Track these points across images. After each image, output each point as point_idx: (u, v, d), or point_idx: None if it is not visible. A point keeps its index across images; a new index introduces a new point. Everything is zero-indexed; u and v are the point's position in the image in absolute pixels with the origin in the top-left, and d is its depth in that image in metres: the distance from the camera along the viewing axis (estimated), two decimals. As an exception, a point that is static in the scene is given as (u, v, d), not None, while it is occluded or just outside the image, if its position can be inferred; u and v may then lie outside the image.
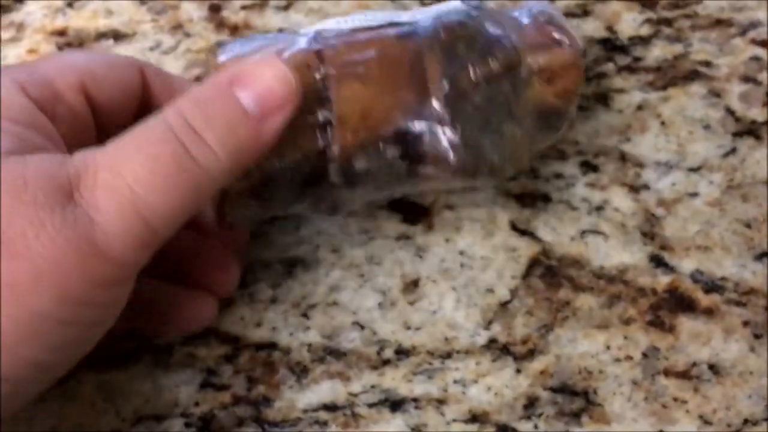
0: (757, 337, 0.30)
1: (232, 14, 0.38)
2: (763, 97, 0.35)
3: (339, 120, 0.26)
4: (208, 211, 0.29)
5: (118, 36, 0.38)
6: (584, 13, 0.37)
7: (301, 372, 0.30)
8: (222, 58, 0.28)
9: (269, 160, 0.26)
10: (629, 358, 0.30)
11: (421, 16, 0.28)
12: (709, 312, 0.30)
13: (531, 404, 0.29)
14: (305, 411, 0.29)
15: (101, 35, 0.38)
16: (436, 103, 0.27)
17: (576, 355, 0.30)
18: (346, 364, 0.30)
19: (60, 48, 0.37)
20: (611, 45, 0.36)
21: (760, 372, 0.29)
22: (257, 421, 0.29)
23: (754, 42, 0.36)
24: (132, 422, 0.29)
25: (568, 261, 0.32)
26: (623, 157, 0.34)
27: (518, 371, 0.30)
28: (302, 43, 0.27)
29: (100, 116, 0.28)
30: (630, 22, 0.37)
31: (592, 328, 0.30)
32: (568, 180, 0.33)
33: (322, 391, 0.29)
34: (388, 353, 0.30)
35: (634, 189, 0.33)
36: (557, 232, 0.32)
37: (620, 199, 0.33)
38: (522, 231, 0.32)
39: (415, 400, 0.29)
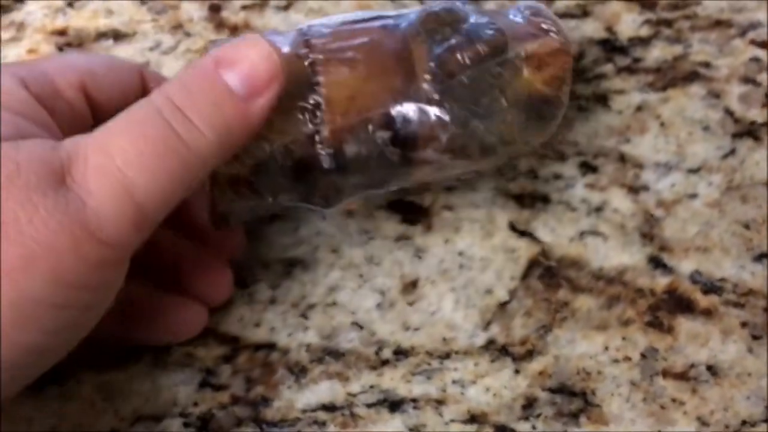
0: (755, 338, 0.30)
1: (232, 14, 0.38)
2: (763, 99, 0.35)
3: (327, 103, 0.26)
4: (203, 213, 0.29)
5: (118, 36, 0.38)
6: (584, 13, 0.37)
7: (299, 372, 0.30)
8: None
9: (259, 145, 0.26)
10: (628, 359, 0.30)
11: (408, 12, 0.29)
12: (708, 313, 0.30)
13: (529, 405, 0.29)
14: (304, 411, 0.29)
15: (101, 35, 0.38)
16: (424, 83, 0.27)
17: (574, 356, 0.30)
18: (344, 364, 0.30)
19: (60, 48, 0.37)
20: (611, 46, 0.36)
21: (758, 373, 0.29)
22: (256, 421, 0.29)
23: (754, 43, 0.36)
24: (131, 422, 0.29)
25: (567, 262, 0.32)
26: (622, 158, 0.34)
27: (517, 372, 0.30)
28: (292, 35, 0.28)
29: (99, 116, 0.28)
30: (629, 23, 0.37)
31: (590, 329, 0.30)
32: (568, 181, 0.33)
33: (321, 391, 0.29)
34: (387, 353, 0.30)
35: (634, 190, 0.33)
36: (556, 233, 0.32)
37: (619, 200, 0.33)
38: (521, 232, 0.32)
39: (413, 400, 0.29)
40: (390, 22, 0.28)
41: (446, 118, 0.27)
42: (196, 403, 0.29)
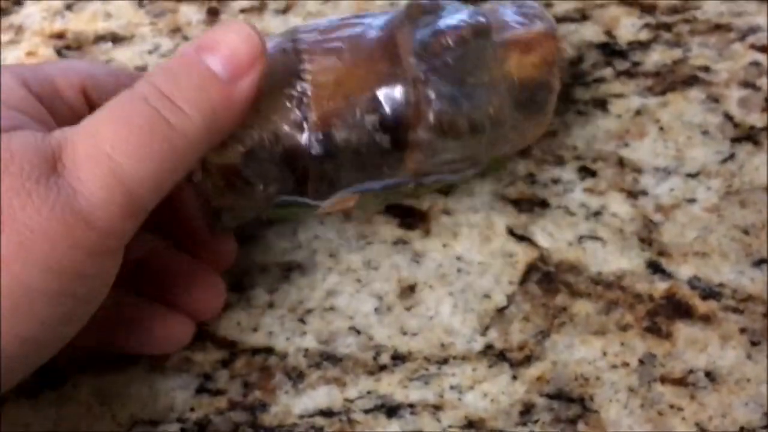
0: (754, 344, 0.30)
1: (231, 18, 0.38)
2: (762, 103, 0.35)
3: (314, 89, 0.27)
4: (196, 220, 0.29)
5: (116, 39, 0.38)
6: (583, 17, 0.37)
7: (297, 377, 0.30)
8: None
9: (247, 132, 0.26)
10: (626, 364, 0.29)
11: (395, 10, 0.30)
12: (707, 319, 0.30)
13: (527, 411, 0.29)
14: (301, 417, 0.29)
15: (100, 38, 0.38)
16: (408, 65, 0.27)
17: (573, 361, 0.30)
18: (342, 369, 0.30)
19: (58, 51, 0.37)
20: (610, 50, 0.36)
21: (757, 379, 0.29)
22: (253, 426, 0.29)
23: (754, 47, 0.36)
24: (128, 427, 0.29)
25: (565, 267, 0.32)
26: (621, 163, 0.34)
27: (514, 378, 0.29)
28: (280, 38, 0.28)
29: None
30: (629, 27, 0.37)
31: (589, 334, 0.30)
32: (566, 185, 0.33)
33: (318, 396, 0.29)
34: (385, 359, 0.30)
35: (632, 194, 0.33)
36: (555, 237, 0.32)
37: (618, 205, 0.33)
38: (519, 236, 0.32)
39: (411, 406, 0.29)
40: (376, 17, 0.29)
41: (431, 94, 0.27)
42: (193, 408, 0.29)
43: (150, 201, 0.23)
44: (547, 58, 0.29)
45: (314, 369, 0.30)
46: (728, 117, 0.34)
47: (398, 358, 0.30)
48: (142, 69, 0.36)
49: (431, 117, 0.27)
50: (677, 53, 0.36)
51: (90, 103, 0.27)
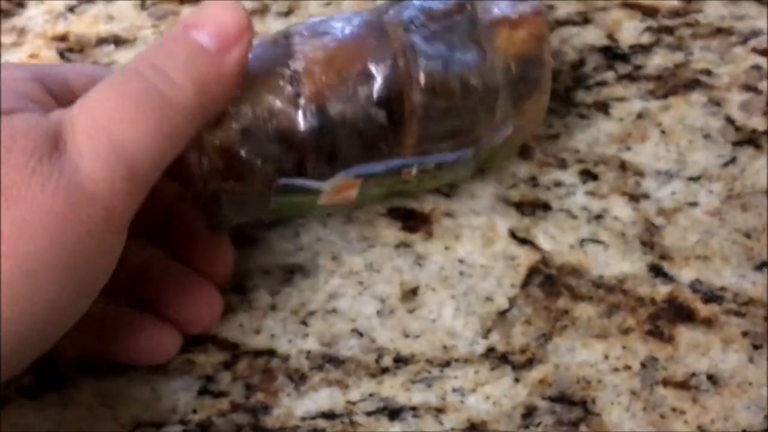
0: (756, 347, 0.30)
1: (233, 20, 0.38)
2: (764, 107, 0.35)
3: (306, 65, 0.27)
4: (197, 219, 0.29)
5: (119, 41, 0.38)
6: (585, 21, 0.37)
7: (299, 379, 0.30)
8: None
9: (241, 110, 0.27)
10: (628, 368, 0.30)
11: None
12: (708, 322, 0.30)
13: (529, 414, 0.29)
14: (303, 419, 0.29)
15: (102, 40, 0.38)
16: (397, 36, 0.28)
17: (575, 364, 0.30)
18: (344, 371, 0.30)
19: (61, 53, 0.38)
20: (612, 53, 0.36)
21: (758, 383, 0.29)
22: (255, 428, 0.29)
23: (755, 51, 0.36)
24: (130, 428, 0.29)
25: (567, 270, 0.32)
26: (623, 166, 0.34)
27: (517, 380, 0.30)
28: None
29: None
30: (631, 31, 0.37)
31: (590, 337, 0.30)
32: (568, 188, 0.33)
33: (321, 398, 0.29)
34: (387, 361, 0.30)
35: (634, 198, 0.33)
36: (557, 240, 0.32)
37: (620, 208, 0.33)
38: (521, 239, 0.32)
39: (413, 408, 0.29)
40: (365, 14, 0.30)
41: (421, 58, 0.28)
42: (196, 410, 0.29)
43: (150, 174, 0.24)
44: (536, 33, 0.29)
45: (316, 371, 0.30)
46: (730, 120, 0.35)
47: (400, 360, 0.30)
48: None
49: (422, 78, 0.28)
50: (679, 57, 0.36)
51: None
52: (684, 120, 0.35)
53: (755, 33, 0.37)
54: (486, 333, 0.30)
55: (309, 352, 0.30)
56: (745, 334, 0.30)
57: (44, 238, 0.22)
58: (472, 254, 0.32)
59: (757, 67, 0.36)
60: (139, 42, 0.38)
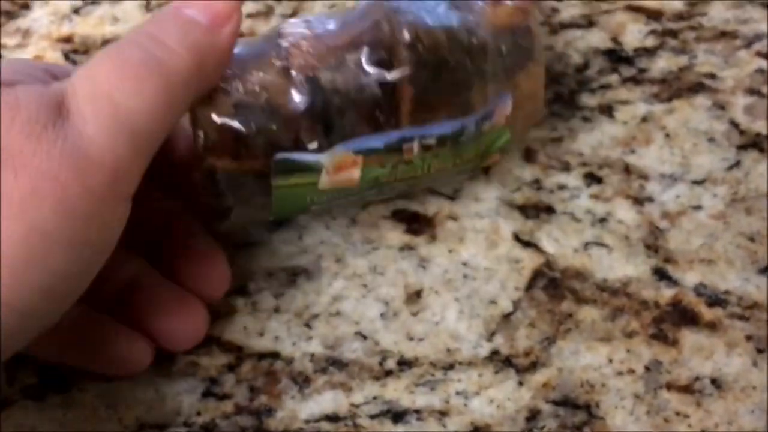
0: (759, 351, 0.30)
1: (238, 22, 0.38)
2: (768, 110, 0.35)
3: (296, 40, 0.28)
4: (194, 235, 0.30)
5: (123, 43, 0.38)
6: (589, 24, 0.37)
7: (303, 382, 0.30)
8: None
9: (234, 85, 0.27)
10: (632, 371, 0.29)
11: None
12: (712, 326, 0.30)
13: (533, 417, 0.29)
14: (307, 422, 0.29)
15: (107, 42, 0.38)
16: (382, 6, 0.28)
17: (578, 367, 0.30)
18: (348, 374, 0.30)
19: (66, 54, 0.38)
20: (616, 56, 0.36)
21: (762, 386, 0.29)
22: (259, 431, 0.29)
23: (759, 54, 0.36)
24: (134, 430, 0.29)
25: (571, 273, 0.32)
26: (627, 169, 0.34)
27: (520, 384, 0.30)
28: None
29: None
30: (635, 34, 0.37)
31: (594, 340, 0.30)
32: (572, 191, 0.33)
33: (324, 401, 0.29)
34: (391, 364, 0.30)
35: (638, 201, 0.33)
36: (561, 243, 0.32)
37: (624, 211, 0.33)
38: (525, 242, 0.32)
39: (417, 411, 0.29)
40: None
41: (405, 18, 0.28)
42: (200, 413, 0.29)
43: (152, 140, 0.24)
44: (521, 6, 0.30)
45: (320, 374, 0.30)
46: (734, 124, 0.35)
47: (404, 363, 0.30)
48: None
49: (406, 34, 0.28)
50: (683, 60, 0.36)
51: None
52: (688, 123, 0.35)
53: (759, 36, 0.37)
54: (490, 336, 0.30)
55: (313, 355, 0.30)
56: (749, 338, 0.30)
57: (52, 203, 0.22)
58: (476, 257, 0.32)
59: (761, 71, 0.36)
60: (144, 44, 0.38)
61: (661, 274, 0.31)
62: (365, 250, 0.32)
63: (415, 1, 0.29)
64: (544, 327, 0.31)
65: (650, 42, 0.37)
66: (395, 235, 0.33)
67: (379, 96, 0.28)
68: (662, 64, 0.36)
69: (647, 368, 0.30)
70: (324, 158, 0.28)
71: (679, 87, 0.35)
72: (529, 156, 0.34)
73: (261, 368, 0.30)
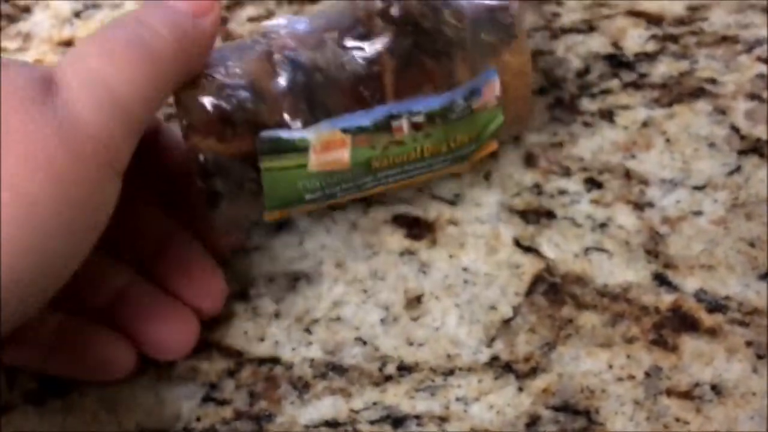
0: (760, 357, 0.30)
1: (239, 26, 0.38)
2: (769, 116, 0.35)
3: (278, 32, 0.29)
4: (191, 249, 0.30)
5: (124, 47, 0.38)
6: (590, 28, 0.37)
7: (303, 387, 0.30)
8: None
9: (217, 70, 0.28)
10: (632, 377, 0.29)
11: None
12: (712, 332, 0.30)
13: (533, 423, 0.29)
14: (307, 427, 0.29)
15: (108, 46, 0.38)
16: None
17: (578, 373, 0.30)
18: (348, 380, 0.30)
19: (66, 58, 0.38)
20: (617, 61, 0.36)
21: (762, 393, 0.29)
22: (259, 436, 0.29)
23: (760, 59, 0.36)
24: (134, 435, 0.29)
25: (571, 278, 0.32)
26: (628, 174, 0.34)
27: (520, 389, 0.30)
28: None
29: None
30: (636, 39, 0.37)
31: (595, 346, 0.30)
32: (573, 196, 0.33)
33: (324, 407, 0.29)
34: (391, 369, 0.30)
35: (639, 206, 0.33)
36: (561, 249, 0.32)
37: (624, 217, 0.33)
38: (526, 248, 0.32)
39: (417, 417, 0.29)
40: None
41: None
42: (199, 418, 0.29)
43: (140, 116, 0.25)
44: None
45: (320, 379, 0.30)
46: (735, 129, 0.35)
47: (404, 368, 0.30)
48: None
49: (379, 2, 0.28)
50: (684, 65, 0.36)
51: None
52: (689, 128, 0.35)
53: (760, 41, 0.36)
54: (490, 341, 0.30)
55: (313, 360, 0.30)
56: (749, 343, 0.30)
57: (44, 174, 0.22)
58: (476, 262, 0.32)
59: (762, 76, 0.36)
60: (145, 48, 0.38)
61: (661, 280, 0.31)
62: (366, 254, 0.32)
63: None
64: (544, 332, 0.31)
65: (651, 47, 0.37)
66: (396, 240, 0.33)
67: (361, 71, 0.28)
68: (663, 68, 0.36)
69: (647, 374, 0.30)
70: (310, 134, 0.28)
71: (679, 92, 0.35)
72: (529, 161, 0.34)
73: (261, 373, 0.30)
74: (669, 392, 0.29)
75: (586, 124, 0.35)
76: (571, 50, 0.37)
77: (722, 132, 0.34)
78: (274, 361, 0.30)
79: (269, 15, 0.39)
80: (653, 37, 0.37)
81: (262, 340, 0.31)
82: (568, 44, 0.37)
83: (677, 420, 0.29)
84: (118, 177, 0.25)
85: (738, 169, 0.34)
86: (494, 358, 0.30)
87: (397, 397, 0.30)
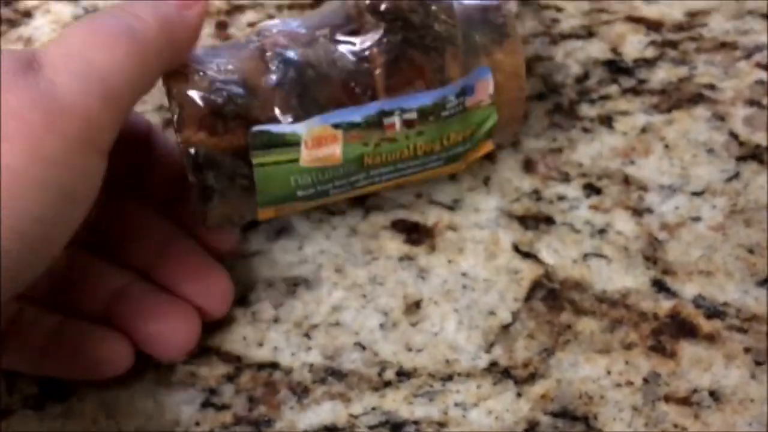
0: (758, 363, 0.30)
1: (239, 31, 0.38)
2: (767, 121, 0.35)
3: (270, 29, 0.29)
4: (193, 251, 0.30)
5: (124, 52, 0.38)
6: (589, 34, 0.37)
7: (302, 393, 0.30)
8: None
9: (209, 65, 0.28)
10: (630, 383, 0.30)
11: None
12: (711, 338, 0.30)
13: (531, 429, 0.29)
14: (306, 432, 0.29)
15: (108, 51, 0.38)
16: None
17: (577, 379, 0.30)
18: (347, 385, 0.30)
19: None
20: (616, 67, 0.36)
21: (760, 399, 0.29)
22: (258, 441, 0.29)
23: (759, 66, 0.36)
24: (133, 440, 0.29)
25: (570, 284, 0.32)
26: (627, 180, 0.34)
27: (519, 395, 0.30)
28: None
29: None
30: (635, 44, 0.37)
31: (593, 352, 0.30)
32: (571, 202, 0.33)
33: (323, 412, 0.29)
34: (390, 375, 0.30)
35: (638, 212, 0.33)
36: (560, 254, 0.32)
37: (623, 223, 0.33)
38: (524, 253, 0.32)
39: (415, 422, 0.29)
40: None
41: None
42: (198, 423, 0.29)
43: (124, 96, 0.25)
44: None
45: (319, 384, 0.30)
46: (733, 135, 0.35)
47: (403, 374, 0.30)
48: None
49: (368, 0, 0.29)
50: (683, 71, 0.36)
51: None
52: (688, 134, 0.35)
53: (759, 47, 0.37)
54: (489, 347, 0.31)
55: (312, 365, 0.30)
56: (747, 350, 0.30)
57: (21, 146, 0.22)
58: (475, 268, 0.32)
59: (761, 82, 0.36)
60: (145, 53, 0.38)
61: (659, 286, 0.31)
62: (365, 260, 0.32)
63: None
64: (542, 338, 0.31)
65: (650, 53, 0.37)
66: (395, 245, 0.33)
67: (352, 66, 0.28)
68: (662, 74, 0.36)
69: (645, 380, 0.30)
70: (301, 129, 0.28)
71: (678, 98, 0.36)
72: (528, 166, 0.34)
73: (260, 379, 0.30)
74: (667, 398, 0.29)
75: (585, 130, 0.35)
76: (570, 56, 0.37)
77: (721, 138, 0.35)
78: (274, 366, 0.30)
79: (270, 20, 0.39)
80: (652, 43, 0.37)
81: (261, 345, 0.31)
82: (567, 50, 0.37)
83: (675, 426, 0.29)
84: (101, 157, 0.25)
85: (737, 175, 0.34)
86: (493, 364, 0.30)
87: (396, 402, 0.30)
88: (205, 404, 0.30)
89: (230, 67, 0.28)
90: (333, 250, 0.33)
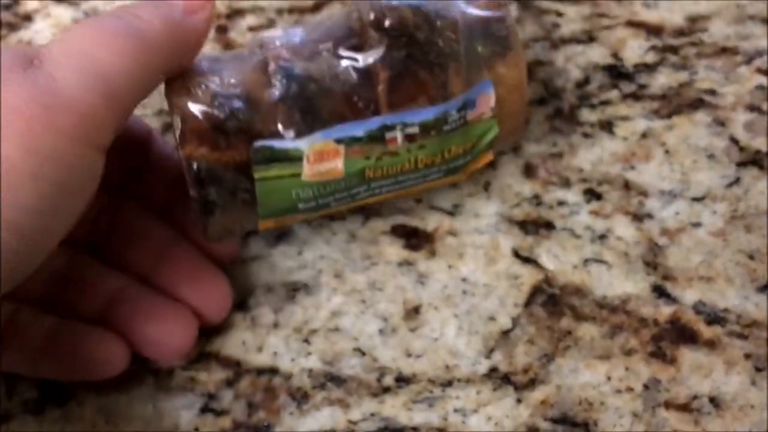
0: (758, 370, 0.30)
1: (239, 35, 0.38)
2: (768, 127, 0.35)
3: (273, 42, 0.29)
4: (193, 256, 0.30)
5: (125, 56, 0.38)
6: (589, 39, 0.37)
7: (301, 398, 0.30)
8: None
9: (211, 79, 0.28)
10: (630, 389, 0.29)
11: None
12: (711, 344, 0.30)
13: (531, 435, 0.29)
14: (305, 438, 0.29)
15: (108, 55, 0.38)
16: (353, 5, 0.29)
17: (577, 385, 0.30)
18: (346, 390, 0.30)
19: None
20: (616, 72, 0.36)
21: (760, 405, 0.29)
22: (257, 447, 0.29)
23: (760, 71, 0.36)
24: (132, 445, 0.29)
25: (570, 290, 0.32)
26: (627, 185, 0.34)
27: (519, 401, 0.30)
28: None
29: None
30: (635, 50, 0.37)
31: (593, 358, 0.30)
32: (572, 207, 0.33)
33: (322, 417, 0.29)
34: (389, 380, 0.30)
35: (638, 218, 0.33)
36: (560, 260, 0.32)
37: (623, 228, 0.33)
38: (525, 258, 0.32)
39: (414, 428, 0.29)
40: None
41: (373, 6, 0.29)
42: (198, 428, 0.29)
43: (126, 95, 0.25)
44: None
45: (318, 390, 0.30)
46: (734, 141, 0.35)
47: (402, 380, 0.30)
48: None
49: (372, 13, 0.28)
50: (683, 76, 0.36)
51: None
52: (688, 140, 0.35)
53: (760, 53, 0.37)
54: (488, 353, 0.30)
55: (311, 371, 0.30)
56: (747, 356, 0.30)
57: (15, 138, 0.22)
58: (475, 273, 0.32)
59: (761, 87, 0.36)
60: (145, 57, 0.38)
61: (660, 292, 0.31)
62: (364, 265, 0.32)
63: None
64: (542, 344, 0.31)
65: (650, 58, 0.37)
66: (394, 250, 0.33)
67: (355, 81, 0.28)
68: (662, 80, 0.36)
69: (646, 386, 0.30)
70: (303, 144, 0.28)
71: (679, 103, 0.36)
72: (528, 171, 0.34)
73: (259, 384, 0.30)
74: (667, 405, 0.29)
75: (586, 135, 0.35)
76: (570, 61, 0.37)
77: (721, 143, 0.35)
78: (273, 371, 0.30)
79: (270, 24, 0.39)
80: (653, 48, 0.37)
81: (260, 350, 0.31)
82: (567, 55, 0.37)
83: (675, 432, 0.29)
84: (99, 154, 0.24)
85: (737, 180, 0.34)
86: (493, 370, 0.30)
87: (395, 408, 0.30)
88: (204, 409, 0.30)
89: (233, 80, 0.28)
90: (333, 256, 0.33)
